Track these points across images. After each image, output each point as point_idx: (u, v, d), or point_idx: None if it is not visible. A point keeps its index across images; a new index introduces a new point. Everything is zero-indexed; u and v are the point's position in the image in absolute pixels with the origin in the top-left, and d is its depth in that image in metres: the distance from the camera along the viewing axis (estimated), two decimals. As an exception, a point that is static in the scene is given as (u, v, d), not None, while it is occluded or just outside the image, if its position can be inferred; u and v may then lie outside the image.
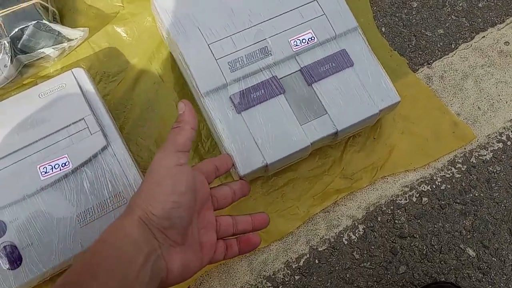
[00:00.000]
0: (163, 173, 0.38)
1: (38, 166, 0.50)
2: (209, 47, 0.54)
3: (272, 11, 0.56)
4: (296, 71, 0.55)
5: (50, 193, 0.50)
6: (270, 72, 0.55)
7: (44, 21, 0.56)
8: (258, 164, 0.51)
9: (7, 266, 0.50)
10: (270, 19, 0.56)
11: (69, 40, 0.60)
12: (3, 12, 0.55)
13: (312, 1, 0.57)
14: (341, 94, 0.54)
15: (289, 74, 0.55)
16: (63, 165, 0.50)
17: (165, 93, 0.61)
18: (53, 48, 0.59)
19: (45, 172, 0.50)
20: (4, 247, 0.50)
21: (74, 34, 0.60)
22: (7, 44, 0.56)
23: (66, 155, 0.50)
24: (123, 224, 0.38)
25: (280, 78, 0.55)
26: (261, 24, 0.56)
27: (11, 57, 0.56)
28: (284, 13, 0.56)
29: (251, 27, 0.55)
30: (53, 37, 0.58)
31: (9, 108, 0.52)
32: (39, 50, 0.58)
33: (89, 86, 0.54)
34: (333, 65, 0.55)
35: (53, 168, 0.50)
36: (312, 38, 0.56)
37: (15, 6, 0.56)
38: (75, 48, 0.62)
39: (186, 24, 0.54)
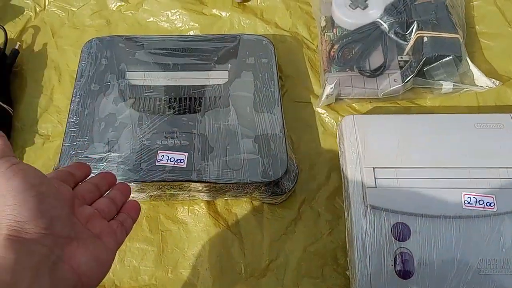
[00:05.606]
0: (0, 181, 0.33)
1: (463, 193, 0.51)
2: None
3: None
4: None
5: (466, 225, 0.49)
6: None
7: (465, 58, 0.61)
8: None
9: (400, 272, 0.48)
10: None
11: (473, 85, 0.62)
12: (430, 34, 0.61)
13: None
14: None
15: None
16: (488, 204, 0.51)
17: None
18: (453, 84, 0.62)
19: (468, 203, 0.51)
20: (402, 253, 0.48)
21: (484, 81, 0.62)
22: (413, 64, 0.61)
23: (493, 196, 0.50)
24: None
25: None
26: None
27: (409, 76, 0.60)
28: None
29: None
30: (457, 74, 0.61)
31: (441, 124, 0.55)
32: (438, 81, 0.61)
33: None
34: None
35: (478, 203, 0.51)
36: None
37: (443, 34, 0.60)
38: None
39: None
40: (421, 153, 0.53)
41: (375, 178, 0.51)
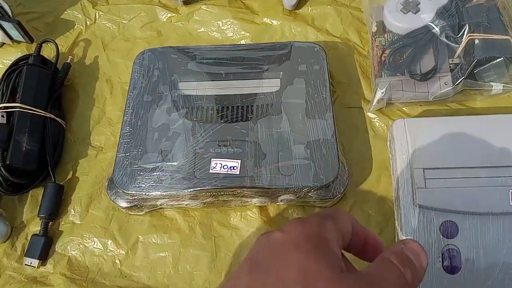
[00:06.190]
0: None
1: (510, 191, 0.59)
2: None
3: None
4: None
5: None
6: None
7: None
8: None
9: (447, 267, 0.57)
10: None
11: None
12: (482, 36, 0.69)
13: None
14: None
15: None
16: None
17: None
18: (503, 85, 0.68)
19: (513, 199, 0.58)
20: (450, 249, 0.56)
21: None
22: (464, 66, 0.69)
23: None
24: None
25: None
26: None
27: (459, 78, 0.70)
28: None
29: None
30: (508, 76, 0.67)
31: (489, 124, 0.63)
32: (488, 83, 0.68)
33: None
34: None
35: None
36: None
37: (494, 35, 0.69)
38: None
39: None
40: (470, 153, 0.61)
41: (424, 179, 0.60)
